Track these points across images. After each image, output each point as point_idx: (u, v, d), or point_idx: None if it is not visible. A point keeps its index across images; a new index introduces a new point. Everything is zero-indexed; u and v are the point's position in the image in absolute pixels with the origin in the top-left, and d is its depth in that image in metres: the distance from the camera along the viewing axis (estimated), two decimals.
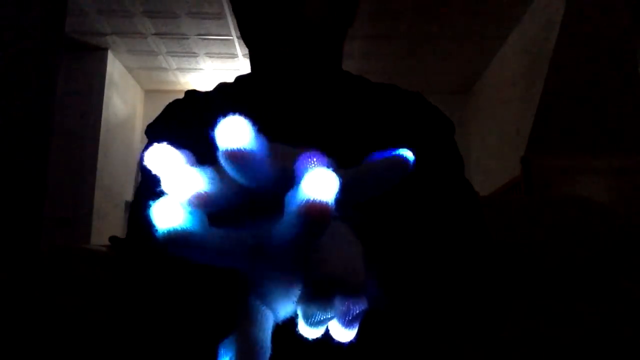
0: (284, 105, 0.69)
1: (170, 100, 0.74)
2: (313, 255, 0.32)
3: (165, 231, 0.28)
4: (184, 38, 4.28)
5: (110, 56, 4.54)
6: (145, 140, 0.73)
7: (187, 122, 0.68)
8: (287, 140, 0.36)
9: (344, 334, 0.32)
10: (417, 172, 0.65)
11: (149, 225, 0.28)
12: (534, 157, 3.55)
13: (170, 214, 0.28)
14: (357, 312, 0.31)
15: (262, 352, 0.31)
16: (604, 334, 1.03)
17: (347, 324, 0.31)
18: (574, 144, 3.46)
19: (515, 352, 1.02)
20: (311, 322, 0.32)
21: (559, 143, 3.53)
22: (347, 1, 0.70)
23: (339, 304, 0.31)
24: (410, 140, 0.66)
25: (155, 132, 0.72)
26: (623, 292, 1.24)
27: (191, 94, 0.75)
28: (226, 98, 0.73)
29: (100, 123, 4.39)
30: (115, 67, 4.65)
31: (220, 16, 3.92)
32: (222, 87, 0.76)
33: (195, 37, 4.25)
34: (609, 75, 3.25)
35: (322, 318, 0.32)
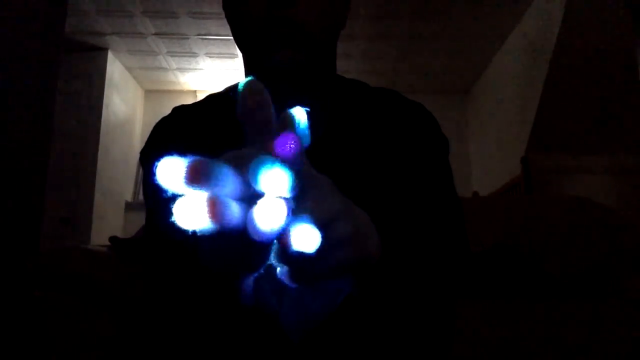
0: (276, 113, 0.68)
1: (170, 100, 0.75)
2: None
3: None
4: (184, 38, 4.28)
5: (110, 56, 4.54)
6: (148, 141, 0.73)
7: (176, 138, 0.69)
8: None
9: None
10: (404, 180, 0.65)
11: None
12: (534, 157, 3.56)
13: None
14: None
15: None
16: (604, 334, 1.03)
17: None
18: (574, 144, 3.47)
19: (515, 351, 1.02)
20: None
21: (559, 143, 3.53)
22: (338, 4, 0.69)
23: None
24: (403, 149, 0.66)
25: (148, 156, 0.72)
26: (623, 292, 1.25)
27: (178, 109, 0.75)
28: (214, 109, 0.73)
29: (100, 123, 4.38)
30: (115, 67, 4.65)
31: (220, 16, 3.92)
32: (210, 98, 0.76)
33: (195, 37, 4.25)
34: (609, 75, 3.25)
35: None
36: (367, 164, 0.64)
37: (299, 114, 0.38)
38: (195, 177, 0.28)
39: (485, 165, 4.74)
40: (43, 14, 2.07)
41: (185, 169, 0.28)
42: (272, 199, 0.30)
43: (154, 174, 0.28)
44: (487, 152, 4.68)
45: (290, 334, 0.48)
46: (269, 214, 0.30)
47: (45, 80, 2.06)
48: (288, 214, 0.30)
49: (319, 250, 0.34)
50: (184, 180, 0.28)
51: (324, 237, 0.34)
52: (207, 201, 0.28)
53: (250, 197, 0.31)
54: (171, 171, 0.28)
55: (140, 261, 1.03)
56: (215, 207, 0.28)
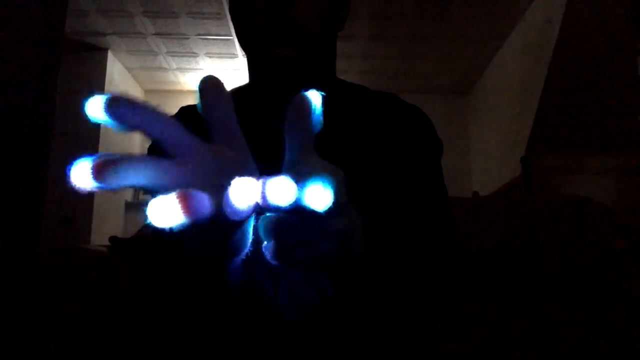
0: (278, 116, 0.69)
1: (170, 100, 0.75)
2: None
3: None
4: (184, 38, 4.28)
5: (110, 56, 4.54)
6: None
7: None
8: (279, 151, 0.37)
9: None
10: (396, 179, 0.67)
11: None
12: (534, 157, 3.55)
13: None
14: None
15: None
16: (604, 334, 1.03)
17: None
18: (574, 144, 3.46)
19: (515, 351, 1.02)
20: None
21: (559, 143, 3.53)
22: (337, 4, 0.70)
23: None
24: (397, 150, 0.68)
25: (152, 154, 0.72)
26: (623, 292, 1.25)
27: (184, 109, 0.76)
28: None
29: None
30: (115, 67, 4.65)
31: (220, 16, 3.93)
32: None
33: (195, 37, 4.26)
34: (609, 75, 3.25)
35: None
36: (361, 163, 0.66)
37: (315, 98, 0.37)
38: (100, 173, 0.28)
39: (485, 165, 4.74)
40: (43, 14, 2.07)
41: (91, 167, 0.28)
42: (244, 178, 0.31)
43: (68, 177, 0.29)
44: (487, 152, 4.68)
45: (285, 320, 0.48)
46: (244, 192, 0.30)
47: (45, 80, 2.06)
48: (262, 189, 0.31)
49: (311, 236, 0.34)
50: (91, 178, 0.28)
51: (320, 227, 0.34)
52: (178, 197, 0.28)
53: (216, 185, 0.32)
54: (81, 172, 0.28)
55: (140, 261, 1.03)
56: (187, 201, 0.28)
